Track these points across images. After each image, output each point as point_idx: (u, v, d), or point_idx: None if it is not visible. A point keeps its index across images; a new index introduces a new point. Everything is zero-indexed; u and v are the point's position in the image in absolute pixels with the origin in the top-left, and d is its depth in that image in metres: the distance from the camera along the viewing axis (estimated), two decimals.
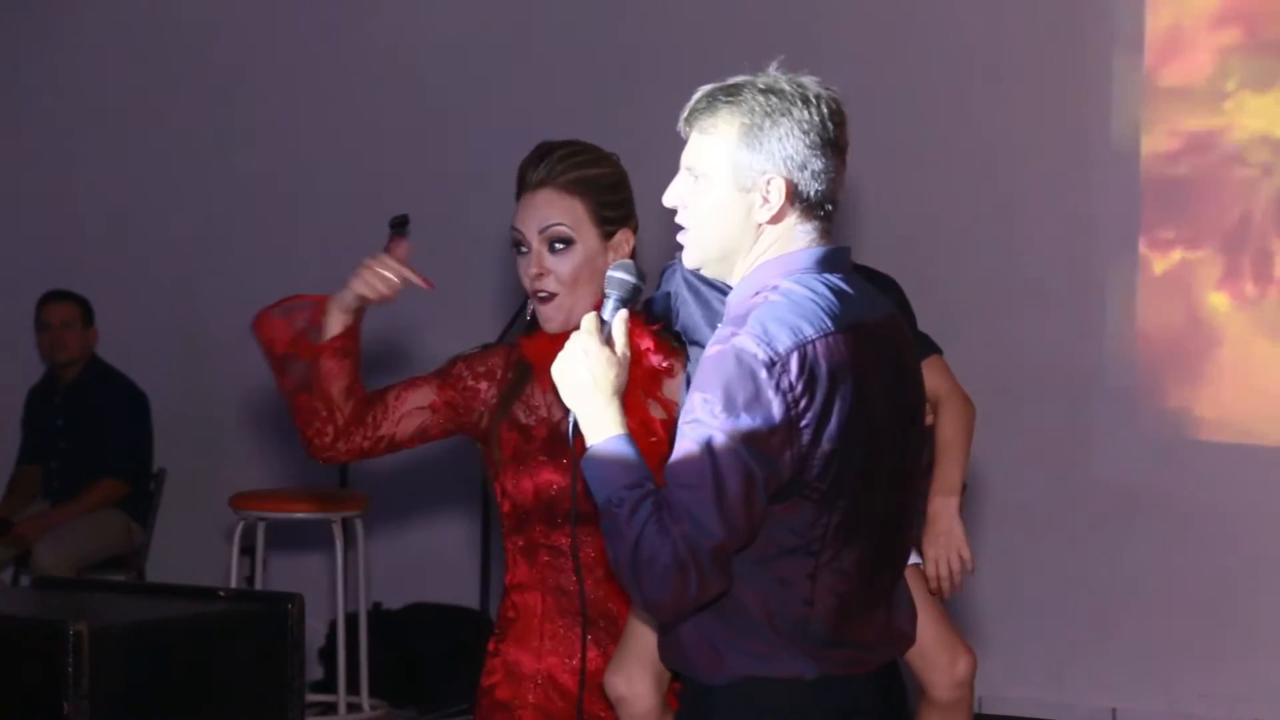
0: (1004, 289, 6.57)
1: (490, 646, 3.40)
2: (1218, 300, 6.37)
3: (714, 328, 2.87)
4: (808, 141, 2.74)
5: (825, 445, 2.67)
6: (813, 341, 2.67)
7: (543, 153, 3.34)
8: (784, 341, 2.66)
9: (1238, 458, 6.30)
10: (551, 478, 3.30)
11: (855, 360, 2.71)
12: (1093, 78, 6.48)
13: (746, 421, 2.62)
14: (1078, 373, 6.50)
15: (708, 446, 2.62)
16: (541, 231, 3.30)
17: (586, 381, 2.72)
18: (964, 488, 4.01)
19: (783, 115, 2.74)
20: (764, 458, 2.63)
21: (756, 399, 2.63)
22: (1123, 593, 6.42)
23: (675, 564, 2.60)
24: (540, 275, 3.30)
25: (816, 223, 2.79)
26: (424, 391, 3.37)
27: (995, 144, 6.59)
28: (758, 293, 2.75)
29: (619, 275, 2.84)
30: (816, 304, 2.71)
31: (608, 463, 2.67)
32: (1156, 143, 6.42)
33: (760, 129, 2.74)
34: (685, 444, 2.65)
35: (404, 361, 7.08)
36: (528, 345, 3.36)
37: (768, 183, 2.75)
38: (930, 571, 3.77)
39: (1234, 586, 6.28)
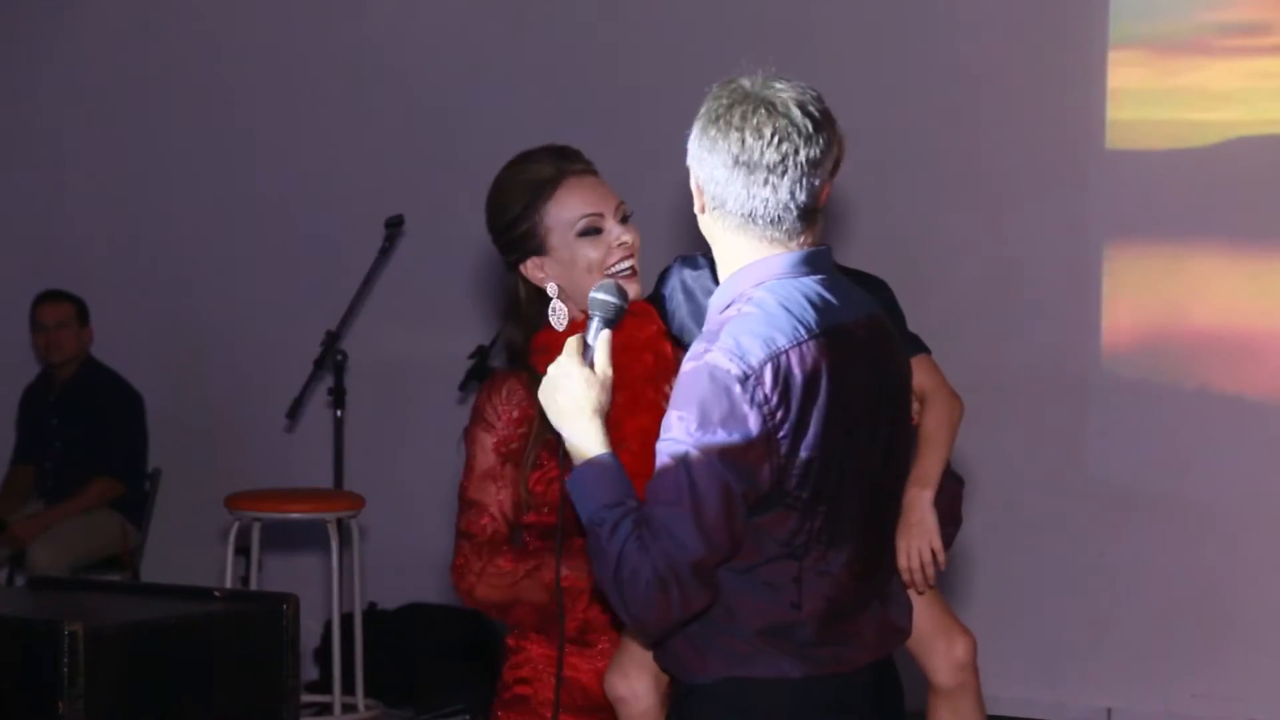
0: (999, 287, 6.56)
1: (510, 642, 3.43)
2: (1214, 299, 6.36)
3: None
4: (729, 151, 2.71)
5: (803, 454, 2.68)
6: (786, 351, 2.67)
7: (563, 148, 3.37)
8: (756, 354, 2.66)
9: (1233, 457, 6.29)
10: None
11: (832, 365, 2.71)
12: (1087, 75, 6.48)
13: (723, 437, 2.63)
14: (1073, 371, 6.49)
15: (684, 464, 2.64)
16: (618, 207, 3.31)
17: (568, 404, 2.76)
18: (961, 483, 4.00)
19: (708, 120, 2.74)
20: (742, 471, 2.64)
21: (731, 414, 2.64)
22: (1118, 592, 6.42)
23: (656, 580, 2.63)
24: (635, 242, 3.30)
25: (765, 229, 2.74)
26: (508, 490, 3.29)
27: (990, 141, 6.58)
28: (731, 303, 2.75)
29: (601, 296, 2.85)
30: (789, 311, 2.71)
31: (589, 483, 2.72)
32: (1152, 140, 6.42)
33: (694, 132, 2.77)
34: (663, 461, 2.67)
35: (403, 361, 7.08)
36: (542, 362, 3.32)
37: (694, 183, 2.79)
38: (901, 563, 3.74)
39: (1229, 586, 6.28)
